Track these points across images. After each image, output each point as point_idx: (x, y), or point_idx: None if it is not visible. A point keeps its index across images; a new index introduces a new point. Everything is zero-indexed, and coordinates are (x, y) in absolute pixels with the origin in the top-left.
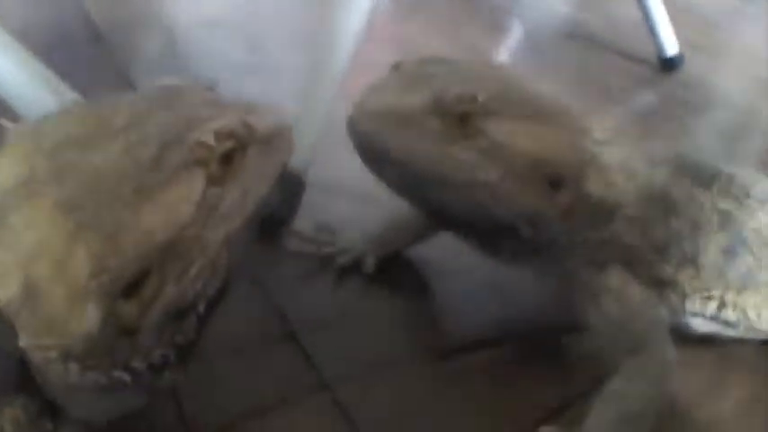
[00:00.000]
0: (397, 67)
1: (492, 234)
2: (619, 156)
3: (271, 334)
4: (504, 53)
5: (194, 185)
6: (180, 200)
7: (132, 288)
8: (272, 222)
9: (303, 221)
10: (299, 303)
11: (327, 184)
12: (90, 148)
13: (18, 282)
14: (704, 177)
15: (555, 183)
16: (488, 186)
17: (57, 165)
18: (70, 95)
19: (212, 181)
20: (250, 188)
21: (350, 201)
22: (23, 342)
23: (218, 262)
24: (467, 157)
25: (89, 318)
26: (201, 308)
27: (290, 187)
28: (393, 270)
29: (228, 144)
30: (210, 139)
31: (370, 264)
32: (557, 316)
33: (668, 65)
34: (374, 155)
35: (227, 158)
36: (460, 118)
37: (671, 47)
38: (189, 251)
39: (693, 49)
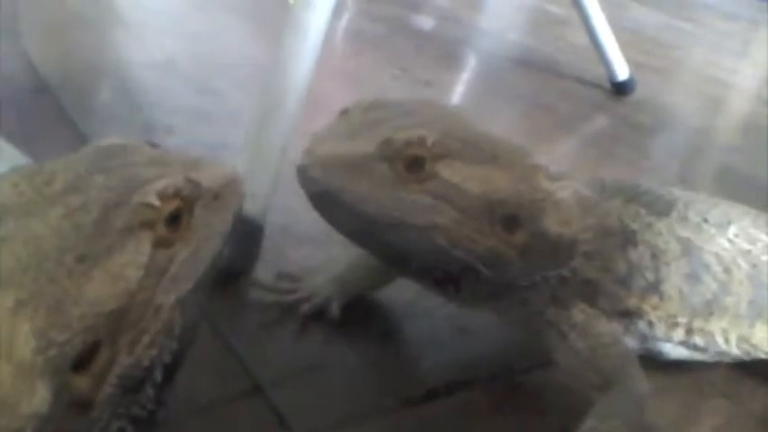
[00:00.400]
0: (344, 112)
1: (450, 277)
2: (572, 191)
3: (236, 389)
4: (457, 83)
5: (141, 249)
6: (126, 265)
7: (83, 361)
8: (230, 272)
9: (262, 269)
10: (263, 355)
11: (285, 229)
12: (27, 216)
13: None
14: (661, 206)
15: (510, 223)
16: (444, 229)
17: None
18: (18, 157)
19: (160, 243)
20: (200, 247)
21: (309, 246)
22: None
23: (172, 326)
24: (420, 201)
25: (38, 396)
26: (158, 376)
27: (248, 235)
28: (357, 315)
29: (174, 204)
30: (155, 200)
31: (335, 309)
32: (526, 352)
33: (620, 89)
34: (326, 202)
35: (175, 219)
36: (411, 162)
37: (622, 71)
38: (140, 318)
39: (643, 70)
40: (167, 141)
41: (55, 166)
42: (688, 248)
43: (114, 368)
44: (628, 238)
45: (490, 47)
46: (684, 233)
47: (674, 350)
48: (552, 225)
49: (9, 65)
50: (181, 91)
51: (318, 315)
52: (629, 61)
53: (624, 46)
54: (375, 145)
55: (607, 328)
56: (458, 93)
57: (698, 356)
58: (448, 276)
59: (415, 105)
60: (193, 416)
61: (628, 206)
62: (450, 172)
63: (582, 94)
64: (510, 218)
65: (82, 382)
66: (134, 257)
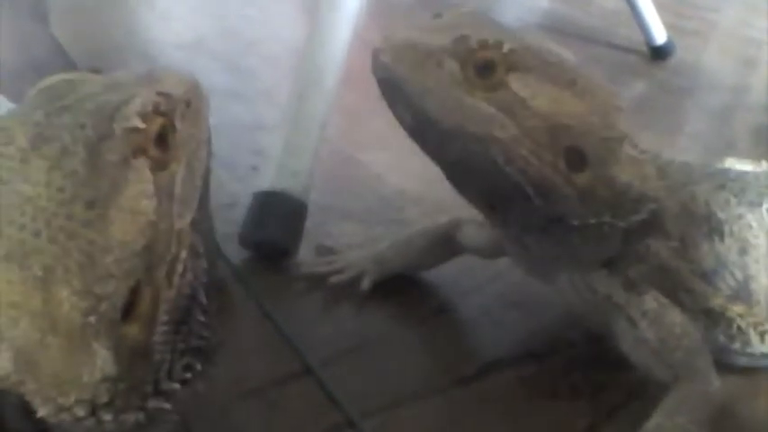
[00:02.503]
0: (438, 15)
1: (501, 197)
2: (657, 169)
3: (286, 370)
4: None
5: (143, 177)
6: (138, 197)
7: (129, 308)
8: (276, 252)
9: (305, 248)
10: (312, 336)
11: (327, 207)
12: (5, 183)
13: (4, 353)
14: (752, 195)
15: (576, 160)
16: (501, 143)
17: None
18: None
19: (157, 167)
20: (192, 160)
21: (352, 223)
22: (43, 412)
23: (196, 247)
24: (482, 109)
25: (100, 358)
26: (203, 298)
27: (292, 214)
28: (406, 294)
29: (158, 122)
30: (139, 123)
31: (366, 284)
32: (581, 329)
33: (659, 53)
34: (391, 91)
35: (162, 138)
36: (483, 65)
37: (660, 35)
38: (167, 248)
39: (680, 33)
40: None
41: (7, 123)
42: None
43: (160, 305)
44: (715, 228)
45: (521, 15)
46: None
47: (753, 362)
48: (624, 173)
49: (38, 48)
50: (211, 70)
51: (374, 294)
52: (665, 24)
53: (658, 9)
54: (448, 40)
55: (680, 318)
56: None
57: None
58: (498, 195)
59: (513, 27)
60: (243, 398)
61: (717, 193)
62: (520, 85)
63: (617, 60)
64: (576, 153)
65: (135, 330)
66: (141, 187)
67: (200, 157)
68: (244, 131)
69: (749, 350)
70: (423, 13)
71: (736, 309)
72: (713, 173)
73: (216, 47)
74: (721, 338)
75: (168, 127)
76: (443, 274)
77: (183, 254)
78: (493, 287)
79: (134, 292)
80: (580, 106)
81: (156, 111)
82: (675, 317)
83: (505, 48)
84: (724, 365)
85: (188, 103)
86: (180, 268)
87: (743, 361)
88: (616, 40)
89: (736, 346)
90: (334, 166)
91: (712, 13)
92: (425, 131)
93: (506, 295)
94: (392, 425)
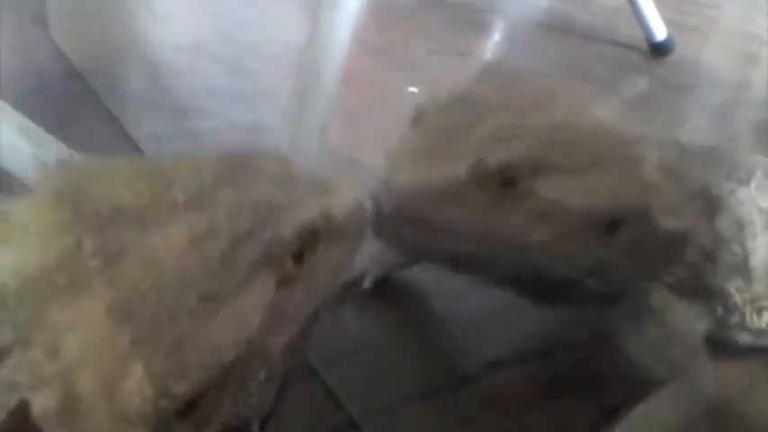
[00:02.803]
0: (417, 119)
1: (550, 289)
2: (657, 159)
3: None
4: (491, 53)
5: (265, 290)
6: (251, 309)
7: (187, 408)
8: None
9: None
10: (316, 337)
11: None
12: (146, 226)
13: (57, 392)
14: (740, 172)
15: (612, 225)
16: (542, 245)
17: (107, 246)
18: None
19: (283, 282)
20: (317, 282)
21: None
22: None
23: (276, 371)
24: (515, 220)
25: None
26: (255, 429)
27: None
28: (410, 295)
29: (305, 239)
30: (289, 237)
31: (367, 282)
32: (583, 327)
33: (659, 49)
34: (409, 233)
35: (300, 253)
36: (504, 181)
37: (660, 31)
38: (250, 365)
39: (680, 30)
40: (202, 125)
41: (176, 166)
42: None
43: (216, 416)
44: (713, 206)
45: (522, 13)
46: (765, 204)
47: (751, 338)
48: (661, 219)
49: (38, 52)
50: (212, 72)
51: (370, 297)
52: (665, 21)
53: (658, 6)
54: (464, 170)
55: (684, 316)
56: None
57: None
58: (546, 290)
59: (492, 98)
60: None
61: (710, 170)
62: (548, 188)
63: (618, 57)
64: (614, 221)
65: (181, 429)
66: (259, 299)
67: (329, 282)
68: (245, 133)
69: (748, 325)
70: (423, 14)
71: (735, 284)
72: (703, 150)
73: (216, 49)
74: (720, 312)
75: (312, 246)
76: (445, 274)
77: (262, 375)
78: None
79: (199, 395)
80: (610, 183)
81: (311, 229)
82: (679, 316)
83: (526, 160)
84: (727, 346)
85: (341, 228)
86: (252, 388)
87: (743, 338)
88: (616, 37)
89: (735, 320)
90: (335, 168)
91: (713, 10)
92: (459, 257)
93: (508, 295)
94: (395, 425)
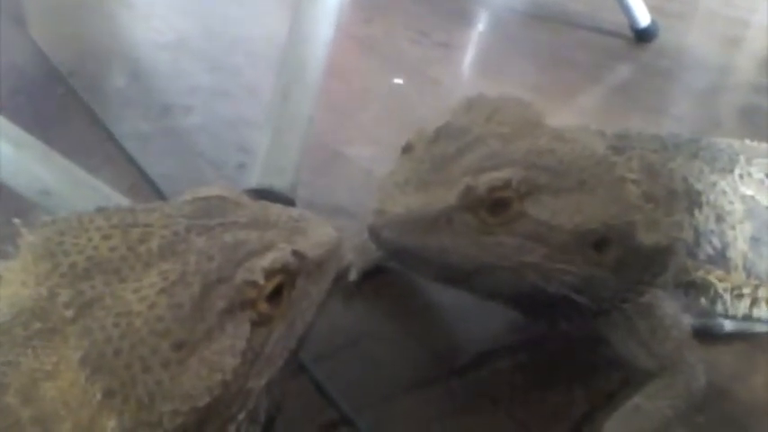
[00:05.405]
0: (407, 149)
1: (544, 306)
2: (638, 158)
3: None
4: (475, 43)
5: (240, 333)
6: (224, 353)
7: None
8: None
9: None
10: None
11: (314, 203)
12: (119, 277)
13: None
14: (723, 162)
15: (601, 244)
16: (535, 265)
17: (81, 296)
18: (59, 161)
19: (259, 322)
20: (296, 320)
21: (342, 217)
22: None
23: (258, 411)
24: (507, 243)
25: None
26: None
27: None
28: (397, 288)
29: (278, 279)
30: (261, 279)
31: (354, 274)
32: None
33: (643, 35)
34: (404, 258)
35: (276, 293)
36: (496, 205)
37: (643, 17)
38: (228, 407)
39: (662, 15)
40: (186, 122)
41: (150, 218)
42: (752, 209)
43: None
44: (693, 200)
45: (504, 2)
46: (748, 191)
47: (734, 324)
48: (644, 236)
49: (18, 53)
50: (195, 70)
51: (356, 292)
52: (648, 7)
53: None
54: (455, 196)
55: (671, 309)
56: (477, 52)
57: (758, 328)
58: (540, 307)
59: (478, 128)
60: None
61: (691, 164)
62: (538, 210)
63: (602, 44)
64: (601, 240)
65: None
66: (233, 343)
67: (307, 318)
68: (229, 129)
69: (731, 312)
70: (407, 5)
71: (715, 274)
72: (683, 143)
73: (199, 46)
74: (703, 302)
75: (287, 285)
76: None
77: (242, 415)
78: None
79: None
80: (596, 203)
81: (284, 269)
82: (667, 308)
83: (514, 183)
84: (714, 334)
85: (319, 265)
86: (232, 429)
87: (728, 325)
88: (600, 24)
89: (718, 309)
90: (321, 162)
91: None
92: (454, 279)
93: None
94: (388, 418)
